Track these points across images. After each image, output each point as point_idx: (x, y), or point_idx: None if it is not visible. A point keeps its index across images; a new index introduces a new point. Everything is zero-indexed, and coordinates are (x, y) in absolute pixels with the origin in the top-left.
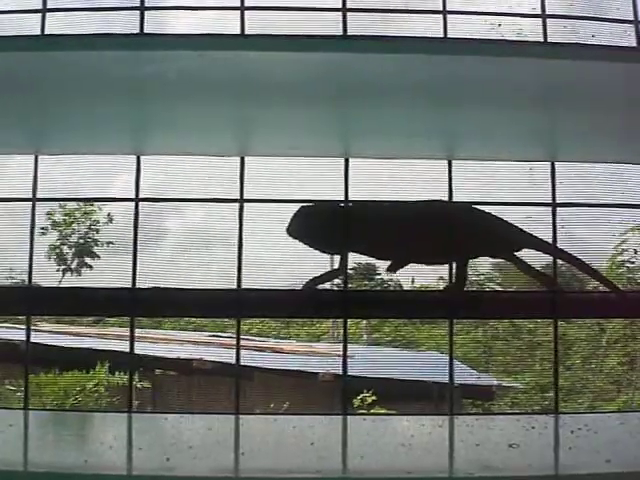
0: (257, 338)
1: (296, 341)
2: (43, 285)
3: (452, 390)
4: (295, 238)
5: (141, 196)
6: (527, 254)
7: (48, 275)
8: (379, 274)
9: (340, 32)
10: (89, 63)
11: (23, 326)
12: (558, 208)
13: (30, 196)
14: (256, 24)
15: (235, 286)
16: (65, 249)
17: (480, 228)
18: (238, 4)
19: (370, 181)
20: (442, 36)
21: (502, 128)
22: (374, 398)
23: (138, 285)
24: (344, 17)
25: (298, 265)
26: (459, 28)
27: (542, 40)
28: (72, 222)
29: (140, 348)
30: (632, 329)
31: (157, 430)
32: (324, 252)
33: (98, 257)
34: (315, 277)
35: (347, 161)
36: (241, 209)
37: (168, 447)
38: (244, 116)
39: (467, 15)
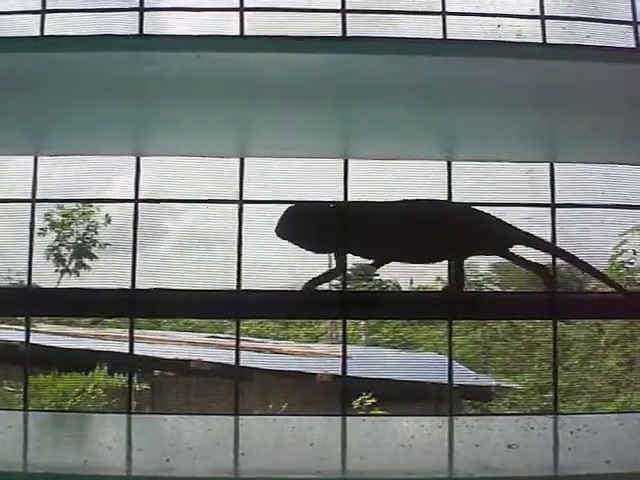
0: (256, 339)
1: (295, 342)
2: (41, 286)
3: (451, 391)
4: (284, 239)
5: (140, 197)
6: (524, 252)
7: (46, 276)
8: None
9: (339, 33)
10: (88, 64)
11: (21, 327)
12: (557, 209)
13: (29, 197)
14: (255, 25)
15: (234, 287)
16: (63, 250)
17: (471, 226)
18: (237, 5)
19: (370, 182)
20: (441, 37)
21: (501, 129)
22: (373, 400)
23: (137, 286)
24: (343, 18)
25: (298, 266)
26: (458, 29)
27: (541, 41)
28: (70, 223)
29: (139, 349)
30: (631, 330)
31: (156, 431)
32: (314, 252)
33: (96, 258)
34: (314, 278)
35: (346, 162)
36: (240, 210)
37: (168, 448)
38: (243, 117)
39: (466, 16)
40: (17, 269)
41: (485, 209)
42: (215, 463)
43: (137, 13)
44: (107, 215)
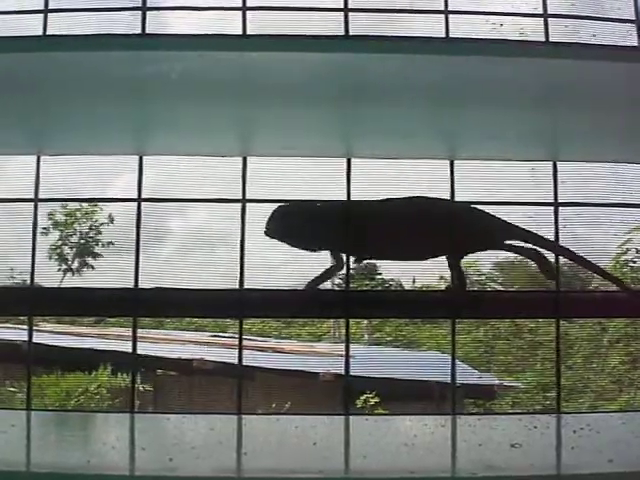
0: (258, 338)
1: (297, 341)
2: (44, 285)
3: (454, 390)
4: (273, 238)
5: (143, 196)
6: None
7: (49, 276)
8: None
9: (342, 32)
10: (90, 63)
11: (24, 326)
12: (560, 208)
13: (32, 196)
14: (257, 24)
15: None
16: (66, 249)
17: (459, 222)
18: (239, 4)
19: (372, 181)
20: (444, 36)
21: (504, 128)
22: (377, 400)
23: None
24: (346, 17)
25: (301, 265)
26: (461, 28)
27: (544, 40)
28: (73, 222)
29: (141, 348)
30: (634, 328)
31: (159, 430)
32: (306, 250)
33: (101, 256)
34: (316, 277)
35: (349, 161)
36: (243, 209)
37: (171, 447)
38: (245, 116)
39: (469, 15)
40: (20, 268)
41: (485, 209)
42: (218, 462)
43: (139, 12)
44: (110, 215)
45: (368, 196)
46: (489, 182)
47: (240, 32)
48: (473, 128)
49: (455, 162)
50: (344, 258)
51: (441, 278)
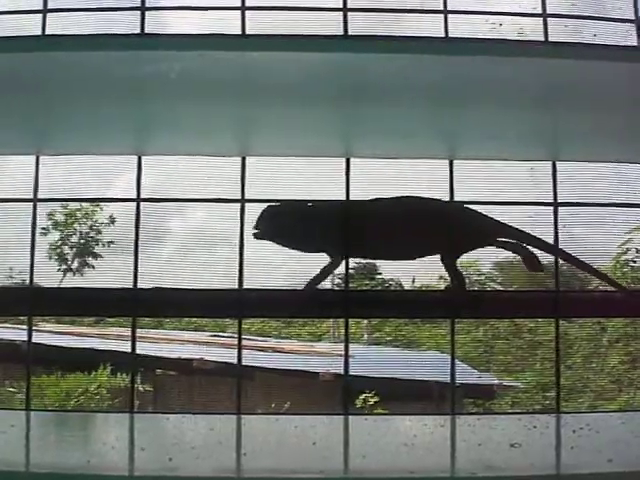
0: (258, 338)
1: (297, 341)
2: (44, 285)
3: (454, 390)
4: (262, 239)
5: (142, 196)
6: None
7: (49, 276)
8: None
9: (341, 32)
10: (90, 63)
11: (24, 326)
12: (560, 208)
13: (31, 196)
14: (257, 24)
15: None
16: (66, 249)
17: (454, 223)
18: (239, 4)
19: (372, 181)
20: (443, 36)
21: (504, 128)
22: (376, 400)
23: (140, 285)
24: (345, 17)
25: (300, 264)
26: (460, 28)
27: (543, 40)
28: (73, 222)
29: (141, 348)
30: (634, 328)
31: (159, 430)
32: (298, 250)
33: (101, 256)
34: (314, 276)
35: (348, 161)
36: (242, 209)
37: (170, 447)
38: (245, 116)
39: (468, 15)
40: (19, 268)
41: (484, 209)
42: (218, 462)
43: (139, 12)
44: (111, 216)
45: (368, 196)
46: (489, 182)
47: (240, 32)
48: (473, 128)
49: (455, 162)
50: (341, 257)
51: (441, 278)
